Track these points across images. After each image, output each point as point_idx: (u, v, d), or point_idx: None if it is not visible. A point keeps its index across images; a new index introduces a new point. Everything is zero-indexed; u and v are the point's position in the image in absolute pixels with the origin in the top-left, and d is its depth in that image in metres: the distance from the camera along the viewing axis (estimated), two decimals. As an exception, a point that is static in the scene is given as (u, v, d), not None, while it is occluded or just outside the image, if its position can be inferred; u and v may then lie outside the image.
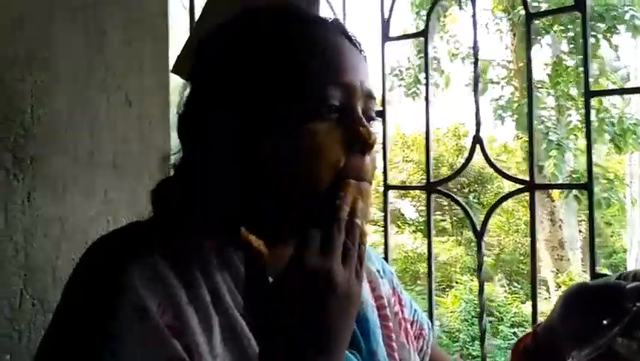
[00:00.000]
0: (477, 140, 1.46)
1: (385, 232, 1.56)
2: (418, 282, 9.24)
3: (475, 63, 1.48)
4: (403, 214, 11.01)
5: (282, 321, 0.51)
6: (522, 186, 1.39)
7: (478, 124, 1.46)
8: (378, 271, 0.79)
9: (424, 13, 7.32)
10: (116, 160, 1.25)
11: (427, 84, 1.56)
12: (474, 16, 1.44)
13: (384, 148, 1.52)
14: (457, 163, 10.35)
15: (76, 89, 1.17)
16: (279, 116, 0.61)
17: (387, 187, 1.60)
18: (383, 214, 1.62)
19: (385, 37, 1.60)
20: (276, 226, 0.63)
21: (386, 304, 0.76)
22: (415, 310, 0.85)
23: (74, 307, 0.57)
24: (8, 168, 1.04)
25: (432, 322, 0.83)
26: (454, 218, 10.32)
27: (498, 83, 8.55)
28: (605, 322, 0.68)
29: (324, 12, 1.81)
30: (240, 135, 0.63)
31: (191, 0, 1.80)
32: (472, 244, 9.58)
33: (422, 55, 7.50)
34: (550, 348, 0.77)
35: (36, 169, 1.09)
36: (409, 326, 0.80)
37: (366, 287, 0.73)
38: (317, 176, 0.59)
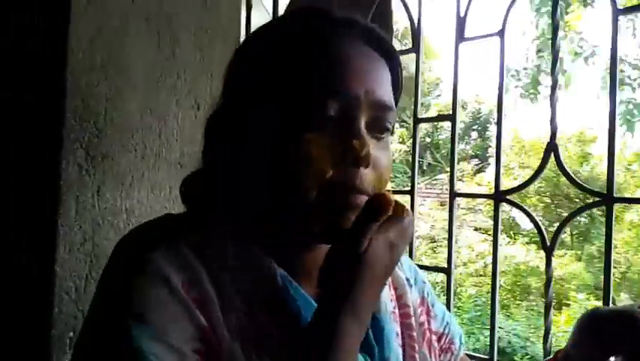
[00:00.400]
0: (551, 148, 1.36)
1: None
2: (531, 297, 8.71)
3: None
4: (517, 224, 10.44)
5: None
6: (598, 199, 1.27)
7: (553, 130, 1.36)
8: (408, 280, 0.80)
9: (544, 10, 6.88)
10: (182, 160, 1.34)
11: (500, 86, 1.47)
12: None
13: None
14: (581, 172, 9.59)
15: (148, 93, 1.28)
16: (281, 122, 0.62)
17: (454, 195, 1.54)
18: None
19: (460, 38, 1.55)
20: (283, 229, 0.65)
21: (412, 313, 0.76)
22: (447, 323, 0.85)
23: (105, 287, 0.62)
24: (81, 164, 1.17)
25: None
26: (575, 231, 9.58)
27: (630, 85, 7.80)
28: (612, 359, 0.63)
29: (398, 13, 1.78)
30: (250, 138, 0.66)
31: (275, 6, 1.87)
32: (596, 260, 8.81)
33: (542, 54, 7.07)
34: None
35: (106, 166, 1.20)
36: (434, 338, 0.80)
37: (388, 295, 0.74)
38: (302, 185, 0.60)
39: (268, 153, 0.63)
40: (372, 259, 0.56)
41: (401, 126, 17.04)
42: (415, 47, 1.63)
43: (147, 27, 1.27)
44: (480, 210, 10.26)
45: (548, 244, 1.35)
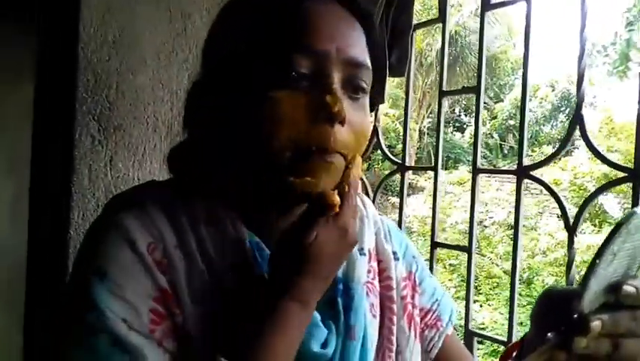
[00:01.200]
0: (577, 118, 1.27)
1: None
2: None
3: None
4: (605, 212, 9.76)
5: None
6: (624, 175, 1.17)
7: (579, 99, 1.26)
8: (395, 253, 0.79)
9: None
10: (194, 132, 1.38)
11: (526, 54, 1.38)
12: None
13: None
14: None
15: (160, 67, 1.32)
16: (249, 83, 0.62)
17: (477, 171, 1.48)
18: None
19: (486, 5, 1.47)
20: (255, 192, 0.66)
21: (394, 285, 0.76)
22: (437, 300, 0.83)
23: (81, 244, 0.64)
24: (94, 135, 1.24)
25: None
26: None
27: None
28: (549, 334, 0.58)
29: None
30: (227, 104, 0.65)
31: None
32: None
33: (631, 28, 6.46)
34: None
35: (118, 137, 1.27)
36: (416, 313, 0.78)
37: (365, 267, 0.73)
38: (276, 145, 0.59)
39: (242, 116, 0.62)
40: (318, 251, 0.58)
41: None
42: (442, 17, 1.56)
43: (158, 3, 1.31)
44: (565, 196, 9.69)
45: (571, 223, 1.26)
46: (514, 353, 0.73)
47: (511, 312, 1.36)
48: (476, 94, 1.47)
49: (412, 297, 0.79)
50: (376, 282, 0.75)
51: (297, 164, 0.60)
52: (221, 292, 0.61)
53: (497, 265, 8.88)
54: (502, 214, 9.91)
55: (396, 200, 12.63)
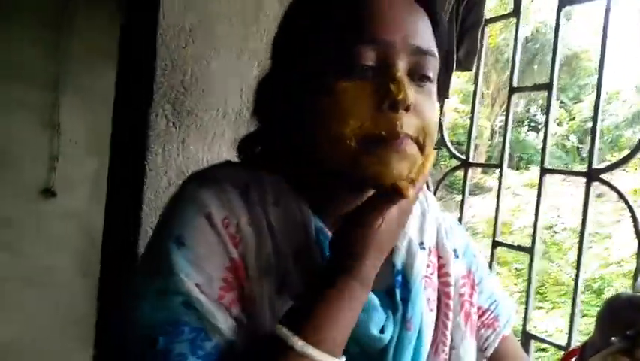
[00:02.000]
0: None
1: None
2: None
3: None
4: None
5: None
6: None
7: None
8: (455, 251, 0.80)
9: None
10: (261, 119, 1.43)
11: (602, 51, 1.33)
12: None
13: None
14: None
15: (231, 56, 1.38)
16: (315, 74, 0.64)
17: (544, 171, 1.44)
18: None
19: (564, 1, 1.43)
20: (323, 179, 0.69)
21: (452, 282, 0.77)
22: (495, 301, 0.83)
23: (161, 215, 0.69)
24: (168, 117, 1.31)
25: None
26: None
27: None
28: (613, 338, 0.58)
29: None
30: (295, 96, 0.67)
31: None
32: None
33: None
34: None
35: (191, 120, 1.34)
36: (473, 311, 0.79)
37: (425, 261, 0.75)
38: (345, 134, 0.60)
39: (310, 107, 0.64)
40: (381, 237, 0.61)
41: (560, 107, 15.70)
42: (516, 11, 1.53)
43: (234, -6, 1.37)
44: (645, 204, 9.12)
45: (640, 229, 1.21)
46: (574, 358, 0.72)
47: (572, 317, 1.32)
48: (548, 91, 1.43)
49: (471, 295, 0.79)
50: (435, 277, 0.76)
51: (367, 150, 0.60)
52: (285, 271, 0.64)
53: (566, 273, 8.51)
54: (574, 220, 9.46)
55: (460, 198, 12.30)
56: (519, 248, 1.58)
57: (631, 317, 0.60)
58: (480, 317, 0.81)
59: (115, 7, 1.38)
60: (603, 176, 1.30)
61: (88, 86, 2.83)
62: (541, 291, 8.31)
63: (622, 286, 7.59)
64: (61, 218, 2.82)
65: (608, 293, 7.24)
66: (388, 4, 0.63)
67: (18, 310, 2.71)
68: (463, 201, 1.64)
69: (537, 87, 1.51)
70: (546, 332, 6.31)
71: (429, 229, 0.77)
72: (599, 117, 1.31)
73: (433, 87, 0.65)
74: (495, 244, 1.52)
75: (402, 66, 0.62)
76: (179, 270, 0.60)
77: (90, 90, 2.81)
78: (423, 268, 0.73)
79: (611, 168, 1.31)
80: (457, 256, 0.79)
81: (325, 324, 0.58)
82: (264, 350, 0.59)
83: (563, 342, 1.35)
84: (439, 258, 0.77)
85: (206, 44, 1.34)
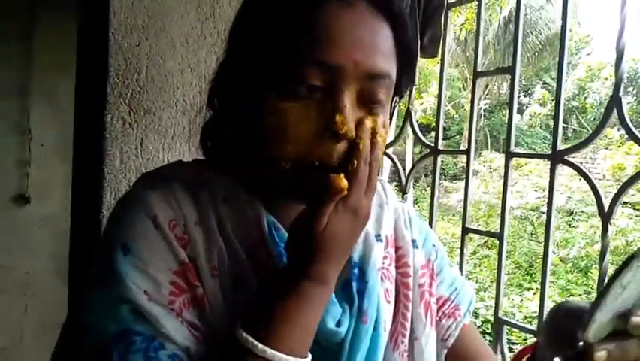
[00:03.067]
0: (615, 101, 1.20)
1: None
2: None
3: None
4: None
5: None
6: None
7: (618, 79, 1.19)
8: (414, 241, 0.79)
9: None
10: (222, 115, 1.40)
11: (564, 24, 1.32)
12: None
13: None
14: None
15: (188, 51, 1.35)
16: (262, 83, 0.61)
17: (510, 155, 1.43)
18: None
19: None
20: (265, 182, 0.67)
21: (411, 273, 0.76)
22: (456, 290, 0.83)
23: (108, 219, 0.68)
24: (125, 118, 1.28)
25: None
26: None
27: None
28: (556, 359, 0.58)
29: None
30: (241, 96, 0.65)
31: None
32: None
33: None
34: None
35: (149, 120, 1.31)
36: (433, 301, 0.78)
37: (380, 253, 0.74)
38: (279, 155, 0.59)
39: (252, 117, 0.62)
40: (330, 237, 0.58)
41: (542, 88, 15.74)
42: (477, -6, 1.51)
43: (186, -12, 1.33)
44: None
45: (606, 210, 1.20)
46: (526, 357, 0.71)
47: (541, 303, 1.32)
48: (511, 74, 1.42)
49: (430, 285, 0.79)
50: (392, 268, 0.75)
51: (297, 177, 0.59)
52: (239, 268, 0.63)
53: (554, 253, 8.58)
54: (560, 200, 9.54)
55: (448, 184, 12.38)
56: (489, 234, 1.58)
57: (570, 329, 0.59)
58: (441, 306, 0.81)
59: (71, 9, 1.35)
60: (568, 157, 1.29)
61: (56, 91, 2.78)
62: (530, 272, 8.38)
63: (609, 263, 7.66)
64: (36, 224, 2.78)
65: (595, 271, 7.30)
66: (343, 20, 0.59)
67: (-4, 319, 2.67)
68: (433, 189, 1.63)
69: (500, 70, 1.50)
70: (535, 312, 6.36)
71: (386, 220, 0.77)
72: (562, 100, 1.30)
73: (385, 107, 0.63)
74: (465, 231, 1.51)
75: (351, 92, 0.59)
76: (126, 277, 0.58)
77: (58, 95, 2.77)
78: (379, 260, 0.73)
79: (574, 149, 1.30)
80: (416, 247, 0.79)
81: (284, 326, 0.57)
82: (225, 354, 0.57)
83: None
84: (398, 249, 0.77)
85: (161, 41, 1.31)
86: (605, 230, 1.21)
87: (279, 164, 0.59)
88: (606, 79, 14.23)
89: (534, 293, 7.17)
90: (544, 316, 0.66)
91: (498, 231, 1.44)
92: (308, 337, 0.59)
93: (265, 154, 0.60)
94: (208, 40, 1.38)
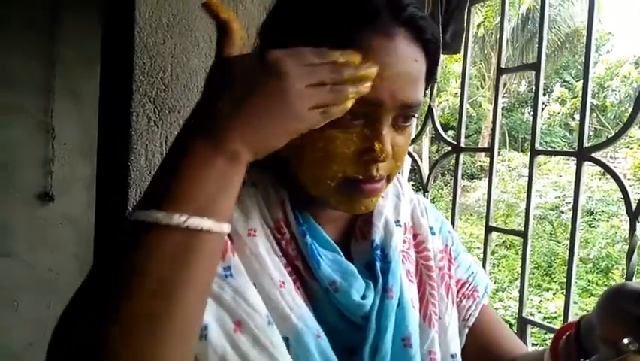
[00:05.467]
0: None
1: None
2: None
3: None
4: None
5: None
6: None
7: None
8: (431, 228, 0.85)
9: None
10: (245, 113, 1.41)
11: (590, 23, 1.30)
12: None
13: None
14: None
15: (212, 50, 1.36)
16: None
17: (535, 152, 1.42)
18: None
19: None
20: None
21: (432, 257, 0.82)
22: (473, 273, 0.89)
23: None
24: (150, 115, 1.29)
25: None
26: None
27: None
28: (625, 340, 0.57)
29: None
30: None
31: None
32: None
33: None
34: (586, 344, 0.69)
35: (173, 118, 1.32)
36: (452, 282, 0.84)
37: (400, 238, 0.79)
38: (323, 176, 0.65)
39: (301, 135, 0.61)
40: (276, 73, 0.53)
41: (562, 86, 15.53)
42: (501, -10, 1.49)
43: (210, -14, 1.34)
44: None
45: (633, 208, 1.19)
46: (568, 333, 0.72)
47: (567, 300, 1.30)
48: (536, 71, 1.40)
49: (449, 268, 0.84)
50: (412, 252, 0.80)
51: (342, 190, 0.66)
52: (266, 238, 0.68)
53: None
54: (580, 200, 9.38)
55: (466, 183, 12.28)
56: (513, 232, 1.56)
57: (636, 313, 0.59)
58: (460, 289, 0.86)
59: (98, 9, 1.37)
60: (594, 155, 1.27)
61: (79, 89, 2.82)
62: (550, 272, 8.28)
63: (635, 261, 7.52)
64: (59, 222, 2.82)
65: (617, 271, 7.20)
66: (381, 57, 0.60)
67: (17, 315, 2.72)
68: (455, 187, 1.62)
69: (525, 67, 1.48)
70: (555, 313, 6.29)
71: (404, 209, 0.82)
72: (589, 97, 1.28)
73: (413, 121, 0.69)
74: (489, 229, 1.50)
75: (387, 119, 0.64)
76: None
77: (82, 94, 2.81)
78: (400, 243, 0.78)
79: (600, 146, 1.28)
80: (433, 233, 0.84)
81: (187, 193, 0.50)
82: (122, 238, 0.50)
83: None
84: (416, 235, 0.82)
85: (185, 39, 1.32)
86: (632, 228, 1.19)
87: (324, 182, 0.65)
88: (625, 77, 14.00)
89: (554, 294, 7.10)
90: (601, 297, 0.64)
91: (520, 229, 1.42)
92: (212, 203, 0.51)
93: (311, 174, 0.66)
94: (231, 39, 1.38)
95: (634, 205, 1.18)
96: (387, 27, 0.61)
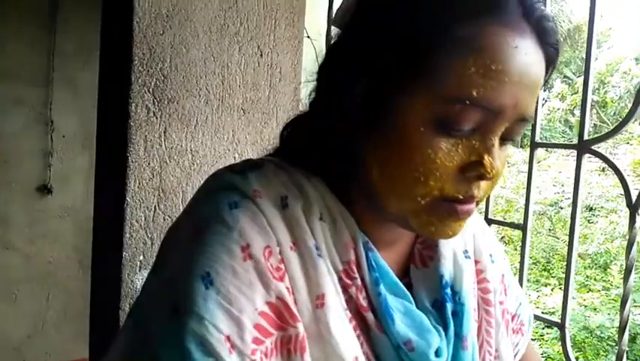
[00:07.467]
0: (644, 91, 1.17)
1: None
2: None
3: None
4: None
5: None
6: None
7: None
8: (491, 255, 0.75)
9: None
10: (244, 105, 1.40)
11: (591, 15, 1.29)
12: None
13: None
14: None
15: (211, 41, 1.35)
16: (416, 115, 0.54)
17: (536, 145, 1.41)
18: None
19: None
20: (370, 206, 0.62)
21: (491, 289, 0.72)
22: (520, 304, 0.81)
23: (184, 235, 0.59)
24: (149, 106, 1.29)
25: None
26: None
27: None
28: None
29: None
30: (357, 105, 0.57)
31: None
32: None
33: None
34: None
35: (172, 109, 1.31)
36: (509, 318, 0.76)
37: (472, 270, 0.70)
38: (414, 192, 0.55)
39: (391, 138, 0.55)
40: None
41: (562, 82, 15.51)
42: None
43: (210, -23, 1.33)
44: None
45: (633, 200, 1.18)
46: None
47: (565, 293, 1.30)
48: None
49: (506, 302, 0.76)
50: (475, 285, 0.71)
51: (432, 209, 0.55)
52: (335, 290, 0.57)
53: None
54: (581, 194, 9.38)
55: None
56: (512, 225, 1.56)
57: None
58: (511, 321, 0.78)
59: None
60: (594, 147, 1.27)
61: (78, 80, 2.81)
62: (548, 268, 8.29)
63: (634, 255, 7.54)
64: (58, 214, 2.82)
65: (615, 267, 7.21)
66: (516, 59, 0.51)
67: (16, 307, 2.72)
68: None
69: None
70: (553, 308, 6.30)
71: (468, 235, 0.72)
72: (589, 90, 1.28)
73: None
74: (489, 222, 1.50)
75: (500, 132, 0.55)
76: (206, 315, 0.50)
77: (80, 85, 2.80)
78: (471, 279, 0.69)
79: (601, 138, 1.28)
80: (492, 261, 0.75)
81: None
82: None
83: (572, 319, 1.32)
84: (476, 262, 0.72)
85: (185, 30, 1.31)
86: (632, 221, 1.18)
87: (413, 200, 0.55)
88: (625, 72, 13.98)
89: (552, 289, 7.10)
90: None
91: (520, 222, 1.42)
92: None
93: (401, 189, 0.55)
94: (231, 30, 1.38)
95: (634, 198, 1.18)
96: (517, 23, 0.52)
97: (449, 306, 0.64)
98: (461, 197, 0.54)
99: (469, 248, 0.70)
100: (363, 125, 0.57)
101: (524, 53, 0.52)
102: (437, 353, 0.60)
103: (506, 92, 0.51)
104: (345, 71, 0.57)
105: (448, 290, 0.65)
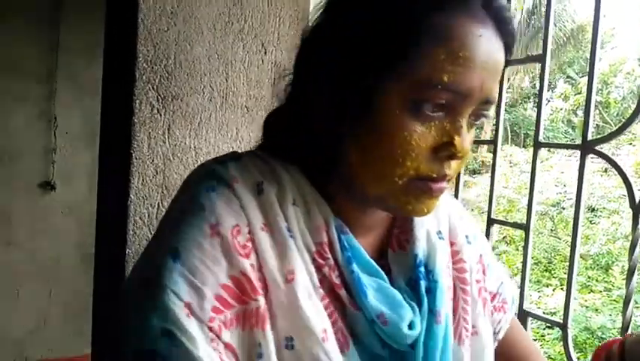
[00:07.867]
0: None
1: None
2: None
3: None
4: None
5: None
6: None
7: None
8: (467, 237, 0.79)
9: None
10: (248, 103, 1.41)
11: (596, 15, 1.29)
12: None
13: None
14: None
15: (215, 38, 1.35)
16: (389, 99, 0.57)
17: (539, 145, 1.41)
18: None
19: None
20: (348, 191, 0.65)
21: (468, 268, 0.75)
22: (502, 283, 0.84)
23: (165, 219, 0.64)
24: (153, 103, 1.29)
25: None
26: None
27: None
28: None
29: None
30: (335, 94, 0.60)
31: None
32: None
33: None
34: None
35: (176, 106, 1.31)
36: (487, 296, 0.79)
37: (446, 250, 0.73)
38: (391, 173, 0.58)
39: (369, 124, 0.59)
40: None
41: (566, 82, 15.48)
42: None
43: (215, -26, 1.33)
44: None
45: (637, 201, 1.18)
46: (615, 345, 0.70)
47: (568, 294, 1.30)
48: (542, 63, 1.39)
49: (484, 281, 0.79)
50: (451, 265, 0.74)
51: (409, 189, 0.59)
52: (308, 271, 0.61)
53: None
54: (584, 194, 9.36)
55: (467, 178, 12.28)
56: (515, 225, 1.56)
57: None
58: (491, 300, 0.80)
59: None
60: (598, 147, 1.27)
61: (82, 77, 2.81)
62: (550, 268, 8.29)
63: (637, 256, 7.53)
64: (61, 210, 2.82)
65: (617, 268, 7.20)
66: (476, 43, 0.56)
67: (20, 302, 2.73)
68: (457, 182, 1.61)
69: (530, 59, 1.47)
70: (555, 308, 6.29)
71: (442, 217, 0.76)
72: (594, 90, 1.28)
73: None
74: (491, 222, 1.50)
75: (468, 114, 0.59)
76: (169, 285, 0.54)
77: (84, 81, 2.80)
78: (444, 259, 0.72)
79: (604, 139, 1.27)
80: (469, 242, 0.78)
81: None
82: None
83: (573, 319, 1.33)
84: (452, 244, 0.76)
85: (189, 27, 1.32)
86: (635, 222, 1.18)
87: (391, 180, 0.58)
88: (628, 73, 13.95)
89: (553, 290, 7.10)
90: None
91: (522, 222, 1.42)
92: None
93: (379, 171, 0.59)
94: (235, 27, 1.38)
95: (637, 199, 1.17)
96: (479, 13, 0.57)
97: (423, 283, 0.67)
98: (435, 175, 0.58)
99: (442, 229, 0.74)
100: (341, 114, 0.60)
101: (487, 41, 0.56)
102: (410, 327, 0.63)
103: (473, 77, 0.55)
104: (322, 63, 0.60)
105: (422, 268, 0.68)
